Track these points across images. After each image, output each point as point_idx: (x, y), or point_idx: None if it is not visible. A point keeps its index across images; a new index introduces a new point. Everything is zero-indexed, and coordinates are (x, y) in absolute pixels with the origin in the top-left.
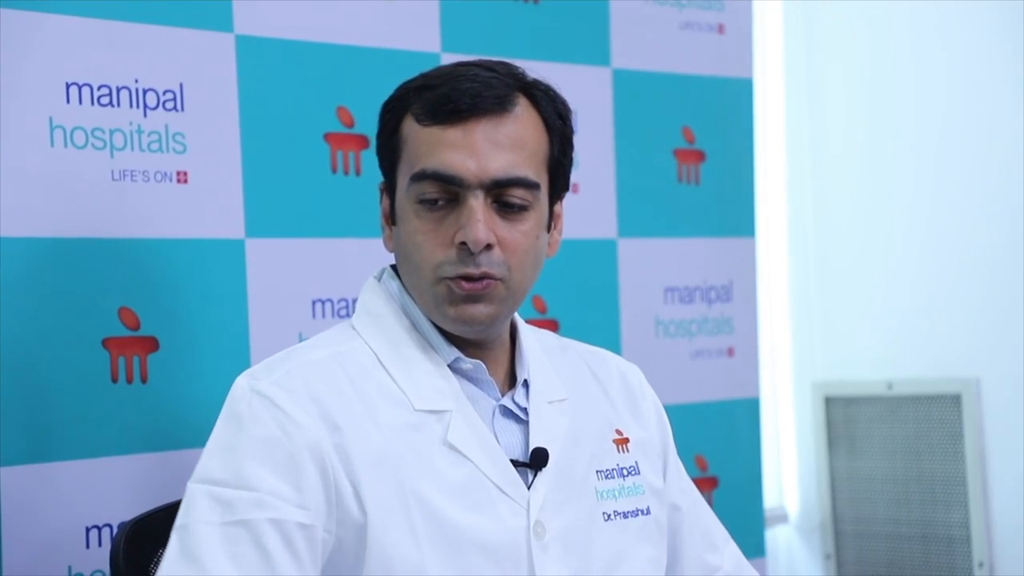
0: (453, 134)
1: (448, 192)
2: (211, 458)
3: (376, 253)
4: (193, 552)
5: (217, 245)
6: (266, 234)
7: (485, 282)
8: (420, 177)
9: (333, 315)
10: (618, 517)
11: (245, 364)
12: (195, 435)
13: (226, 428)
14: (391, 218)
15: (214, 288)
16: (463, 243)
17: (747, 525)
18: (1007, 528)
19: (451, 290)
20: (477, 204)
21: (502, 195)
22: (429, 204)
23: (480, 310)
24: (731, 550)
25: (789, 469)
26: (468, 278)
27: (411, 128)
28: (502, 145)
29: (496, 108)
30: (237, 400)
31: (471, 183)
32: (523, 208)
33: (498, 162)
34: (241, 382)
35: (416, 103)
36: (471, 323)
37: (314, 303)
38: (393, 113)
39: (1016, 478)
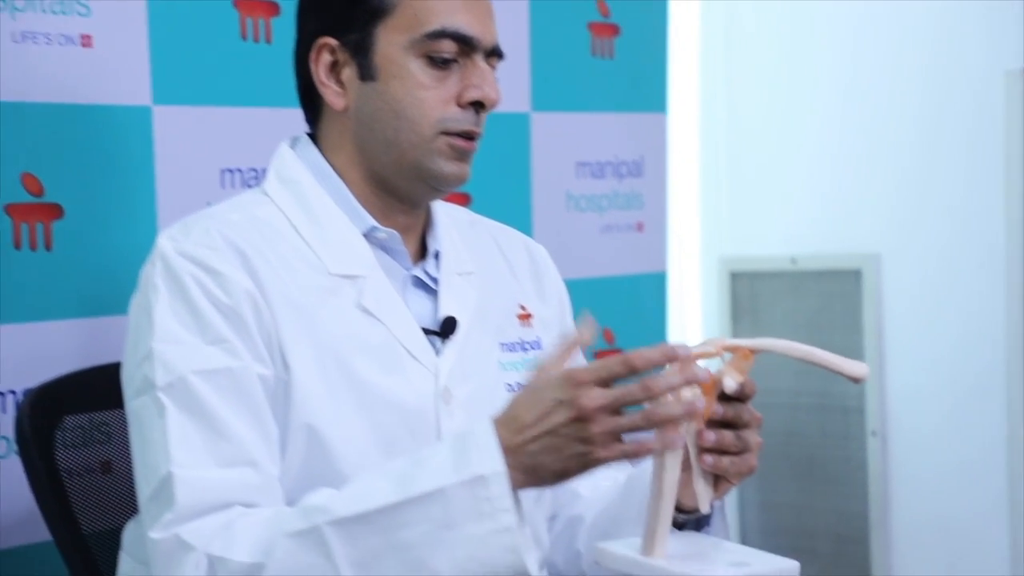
0: None
1: (461, 52)
2: (166, 320)
3: (287, 122)
4: (192, 405)
5: (123, 112)
6: (173, 101)
7: (475, 142)
8: (438, 35)
9: (242, 185)
10: (520, 388)
11: (152, 233)
12: (100, 303)
13: (169, 290)
14: (366, 74)
15: (120, 155)
16: (474, 102)
17: None
18: (900, 399)
19: (452, 146)
20: (485, 66)
21: (489, 61)
22: (439, 62)
23: (467, 169)
24: None
25: (694, 342)
26: (470, 136)
27: None
28: (491, 14)
29: None
30: (169, 262)
31: (484, 45)
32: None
33: (493, 30)
34: (165, 244)
35: None
36: (461, 180)
37: (223, 172)
38: None
39: (910, 351)
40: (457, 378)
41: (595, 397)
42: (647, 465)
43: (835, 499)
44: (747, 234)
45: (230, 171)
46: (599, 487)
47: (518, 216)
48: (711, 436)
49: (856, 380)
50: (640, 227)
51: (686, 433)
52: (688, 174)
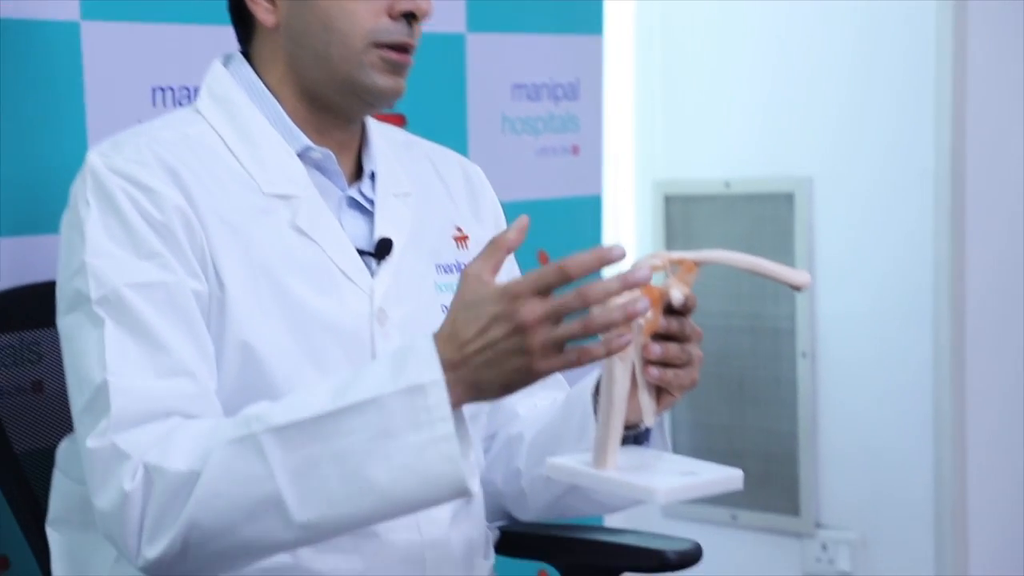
0: None
1: None
2: (98, 235)
3: (220, 39)
4: (127, 317)
5: (50, 27)
6: (103, 17)
7: (409, 55)
8: None
9: (174, 103)
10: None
11: (82, 151)
12: (28, 222)
13: (101, 205)
14: None
15: (48, 72)
16: (406, 13)
17: None
18: (828, 320)
19: (384, 59)
20: None
21: None
22: None
23: (401, 83)
24: None
25: (628, 266)
26: (403, 48)
27: None
28: None
29: None
30: (99, 178)
31: None
32: None
33: None
34: (95, 160)
35: None
36: (396, 94)
37: (154, 91)
38: None
39: (840, 273)
40: (392, 299)
41: (532, 308)
42: (587, 384)
43: (765, 419)
44: (681, 158)
45: (162, 89)
46: (538, 406)
47: (453, 138)
48: (657, 348)
49: (798, 288)
50: (576, 150)
51: (633, 346)
52: (623, 97)
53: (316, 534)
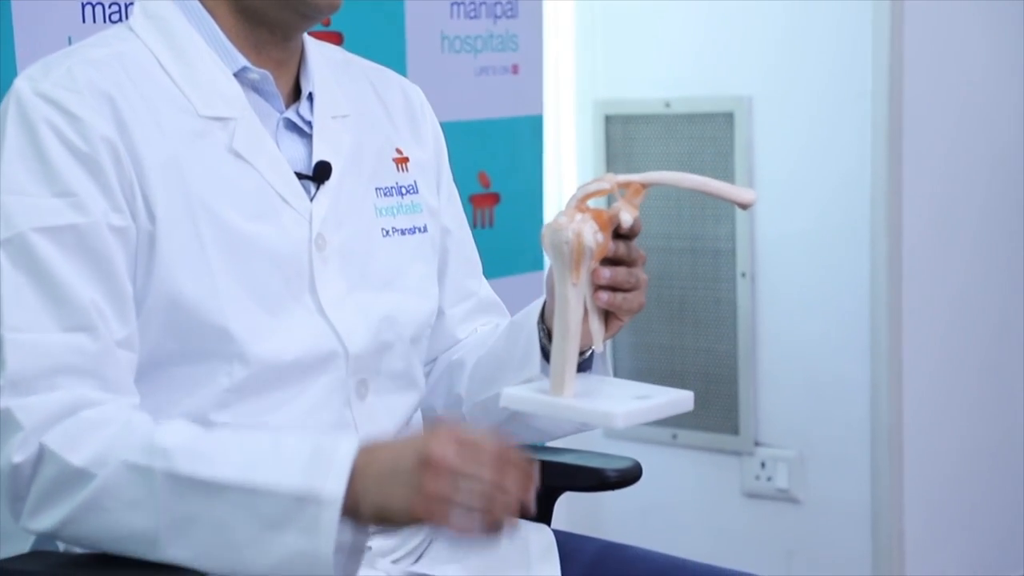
0: None
1: None
2: (13, 167)
3: None
4: (31, 264)
5: None
6: None
7: None
8: None
9: (105, 20)
10: (396, 234)
11: (11, 71)
12: None
13: (19, 136)
14: None
15: None
16: None
17: (527, 240)
18: (768, 241)
19: None
20: None
21: None
22: None
23: None
24: (485, 283)
25: (569, 186)
26: None
27: None
28: None
29: None
30: (23, 105)
31: None
32: None
33: None
34: (21, 85)
35: None
36: (333, 7)
37: (84, 6)
38: None
39: (779, 194)
40: (331, 224)
41: (451, 461)
42: (531, 310)
43: (705, 340)
44: (622, 77)
45: (91, 4)
46: (479, 331)
47: (391, 57)
48: (607, 273)
49: (744, 206)
50: (515, 69)
51: (585, 271)
52: (563, 16)
53: (179, 570)
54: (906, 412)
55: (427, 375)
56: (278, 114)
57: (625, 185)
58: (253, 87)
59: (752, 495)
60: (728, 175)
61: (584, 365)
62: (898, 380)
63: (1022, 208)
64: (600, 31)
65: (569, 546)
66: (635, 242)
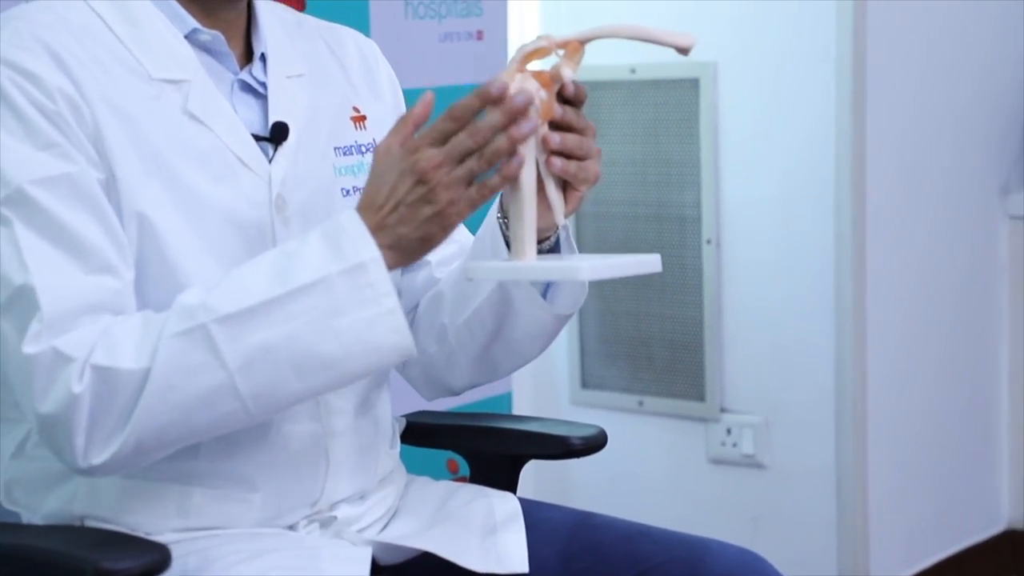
0: None
1: None
2: None
3: None
4: (36, 216)
5: None
6: None
7: None
8: None
9: None
10: (356, 192)
11: None
12: None
13: None
14: None
15: None
16: None
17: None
18: (733, 207)
19: None
20: None
21: None
22: None
23: None
24: (464, 228)
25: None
26: None
27: None
28: None
29: None
30: None
31: None
32: None
33: None
34: None
35: None
36: None
37: None
38: None
39: (744, 160)
40: (291, 185)
41: (430, 156)
42: (491, 218)
43: (671, 306)
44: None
45: None
46: (454, 270)
47: (355, 23)
48: (556, 138)
49: (684, 50)
50: (480, 35)
51: (533, 138)
52: None
53: (270, 411)
54: (870, 377)
55: (411, 320)
56: (232, 75)
57: (564, 44)
58: (205, 48)
59: (718, 461)
60: (694, 141)
61: (554, 250)
62: (862, 346)
63: (986, 170)
64: None
65: (535, 515)
66: (597, 209)
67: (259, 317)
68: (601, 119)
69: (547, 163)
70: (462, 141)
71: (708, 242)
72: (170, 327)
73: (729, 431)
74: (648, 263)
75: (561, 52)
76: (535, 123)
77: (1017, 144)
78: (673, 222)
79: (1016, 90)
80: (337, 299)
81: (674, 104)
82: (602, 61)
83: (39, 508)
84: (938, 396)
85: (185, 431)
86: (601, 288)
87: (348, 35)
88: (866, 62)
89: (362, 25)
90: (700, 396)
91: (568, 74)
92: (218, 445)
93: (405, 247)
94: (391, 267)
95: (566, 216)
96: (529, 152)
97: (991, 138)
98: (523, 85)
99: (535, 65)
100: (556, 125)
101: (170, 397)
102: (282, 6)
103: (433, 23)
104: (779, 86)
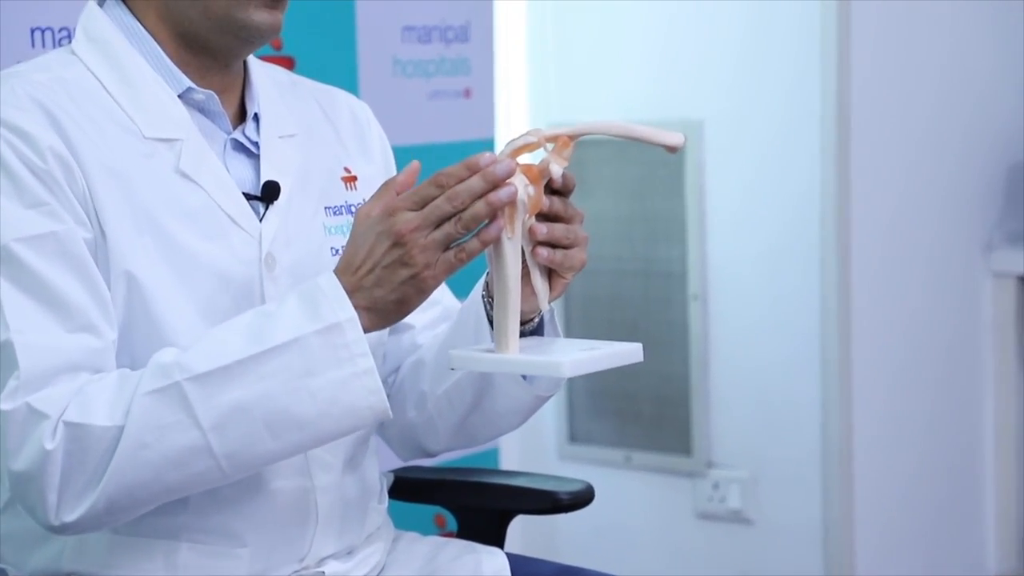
0: None
1: None
2: None
3: None
4: (20, 274)
5: None
6: None
7: None
8: None
9: (54, 45)
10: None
11: None
12: None
13: None
14: None
15: None
16: None
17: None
18: (719, 263)
19: None
20: None
21: None
22: None
23: (279, 17)
24: (448, 291)
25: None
26: None
27: None
28: None
29: None
30: None
31: None
32: None
33: None
34: None
35: None
36: (274, 30)
37: (32, 31)
38: None
39: (729, 216)
40: (280, 244)
41: (407, 219)
42: (476, 288)
43: (657, 362)
44: (574, 101)
45: (40, 30)
46: (438, 336)
47: (344, 82)
48: (543, 228)
49: (673, 149)
50: (468, 93)
51: (519, 227)
52: (515, 40)
53: (245, 470)
54: (856, 433)
55: (392, 384)
56: (225, 135)
57: (553, 139)
58: (199, 108)
59: (705, 516)
60: (680, 198)
61: (537, 331)
62: (848, 401)
63: (970, 227)
64: (552, 54)
65: (523, 569)
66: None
67: (233, 376)
68: (588, 175)
69: (533, 253)
70: (439, 205)
71: (695, 298)
72: (144, 385)
73: (716, 486)
74: (630, 353)
75: (550, 146)
76: (513, 190)
77: (999, 200)
78: (659, 278)
79: (998, 148)
80: (312, 359)
81: (661, 161)
82: (589, 118)
83: (26, 564)
84: (924, 452)
85: (158, 490)
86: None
87: (341, 97)
88: (850, 122)
89: (350, 82)
90: (687, 451)
91: (556, 170)
92: (206, 500)
93: (381, 309)
94: (368, 329)
95: (550, 302)
96: (515, 243)
97: (974, 195)
98: (512, 180)
99: (527, 158)
100: (544, 215)
101: (143, 455)
102: (277, 67)
103: (421, 81)
104: (765, 145)
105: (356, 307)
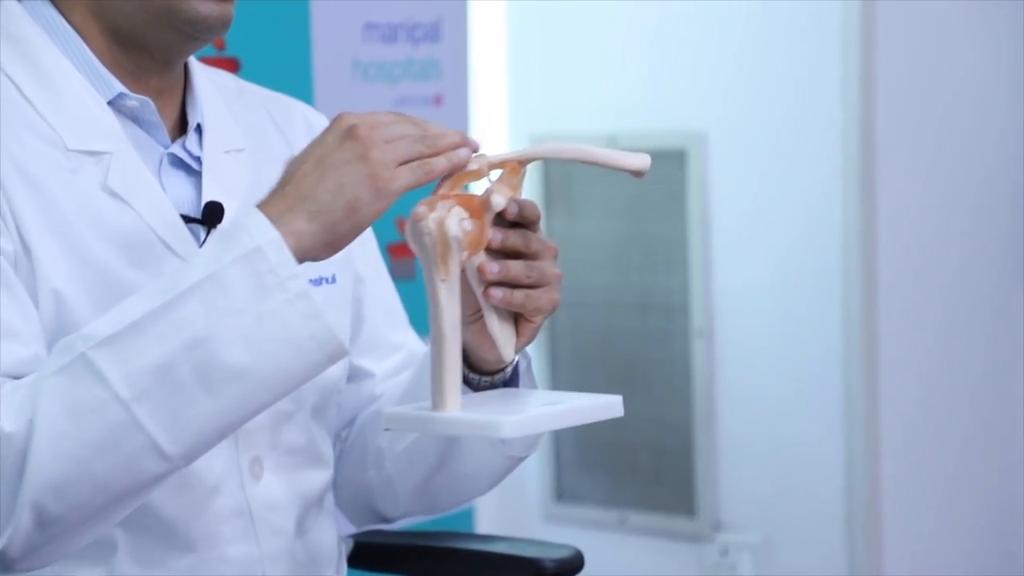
0: None
1: None
2: None
3: None
4: None
5: None
6: None
7: None
8: None
9: None
10: None
11: None
12: None
13: None
14: None
15: None
16: None
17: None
18: (726, 294)
19: None
20: None
21: None
22: None
23: (229, 9)
24: (412, 335)
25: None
26: None
27: None
28: None
29: None
30: None
31: None
32: None
33: None
34: None
35: None
36: (223, 23)
37: None
38: None
39: (738, 241)
40: None
41: (370, 121)
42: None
43: (657, 407)
44: (560, 108)
45: None
46: (398, 384)
47: (297, 86)
48: (494, 267)
49: (637, 174)
50: (439, 100)
51: (455, 266)
52: (494, 39)
53: (190, 442)
54: (885, 488)
55: (346, 439)
56: (162, 148)
57: (501, 164)
58: (132, 117)
59: None
60: (680, 219)
61: (511, 383)
62: (876, 452)
63: (1008, 248)
64: (536, 56)
65: None
66: (571, 297)
67: (146, 333)
68: (575, 194)
69: (485, 295)
70: (404, 125)
71: (698, 334)
72: (48, 367)
73: (725, 552)
74: (606, 407)
75: (497, 173)
76: (467, 157)
77: None
78: (658, 311)
79: None
80: (233, 294)
81: (659, 178)
82: (576, 128)
83: None
84: (958, 510)
85: (92, 486)
86: (576, 387)
87: (296, 107)
88: (875, 129)
89: (304, 87)
90: (690, 511)
91: (499, 200)
92: (143, 569)
93: (327, 216)
94: (311, 248)
95: (517, 351)
96: (449, 285)
97: (1007, 205)
98: (443, 215)
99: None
100: (501, 250)
101: (61, 447)
102: (222, 71)
103: (385, 87)
104: (777, 158)
105: (293, 226)
